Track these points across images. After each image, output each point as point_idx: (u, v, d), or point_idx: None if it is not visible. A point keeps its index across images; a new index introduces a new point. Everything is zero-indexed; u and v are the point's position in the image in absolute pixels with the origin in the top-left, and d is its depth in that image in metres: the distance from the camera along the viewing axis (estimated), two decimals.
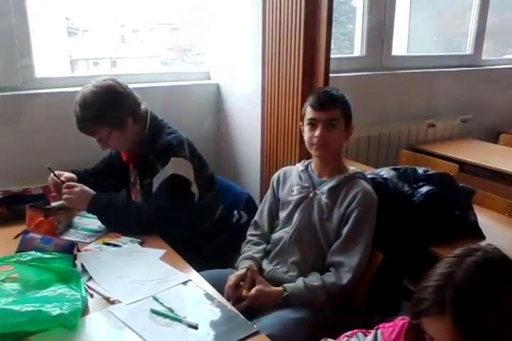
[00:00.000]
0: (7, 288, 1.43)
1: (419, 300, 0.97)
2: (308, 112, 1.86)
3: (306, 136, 1.88)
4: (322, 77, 2.20)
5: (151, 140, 2.06)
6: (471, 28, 3.91)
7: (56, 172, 2.07)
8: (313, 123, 1.84)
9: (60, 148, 2.46)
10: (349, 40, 3.55)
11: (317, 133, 1.82)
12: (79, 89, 2.49)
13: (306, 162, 2.00)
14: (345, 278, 1.73)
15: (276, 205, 2.00)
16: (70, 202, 1.98)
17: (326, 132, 1.82)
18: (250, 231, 2.04)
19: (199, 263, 1.81)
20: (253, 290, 1.73)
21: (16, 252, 1.65)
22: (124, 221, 1.97)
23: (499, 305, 0.92)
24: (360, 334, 1.27)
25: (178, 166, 2.00)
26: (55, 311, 1.32)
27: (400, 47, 3.74)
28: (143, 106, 2.08)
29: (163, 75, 2.87)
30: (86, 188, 1.99)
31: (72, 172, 2.19)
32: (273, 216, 2.00)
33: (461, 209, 2.05)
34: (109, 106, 1.94)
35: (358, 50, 3.37)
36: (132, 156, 2.14)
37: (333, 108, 1.83)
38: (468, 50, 3.95)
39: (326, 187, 1.86)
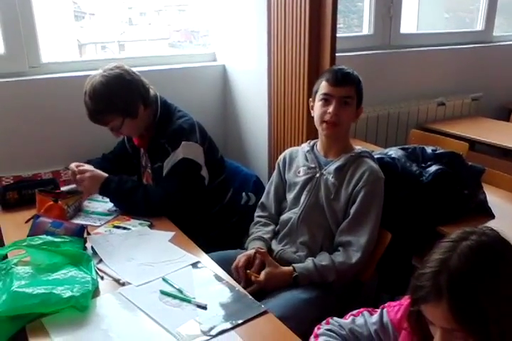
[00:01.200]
0: (19, 272, 1.45)
1: (416, 288, 0.97)
2: (323, 87, 1.82)
3: (317, 111, 1.84)
4: (328, 56, 2.17)
5: (162, 124, 2.07)
6: (483, 4, 3.82)
7: (76, 163, 2.10)
8: (326, 99, 1.81)
9: (69, 132, 2.48)
10: (358, 18, 3.49)
11: (330, 109, 1.79)
12: (87, 73, 2.50)
13: (312, 142, 1.99)
14: (354, 257, 1.74)
15: (282, 187, 2.00)
16: (83, 187, 2.02)
17: (340, 109, 1.79)
18: (258, 212, 2.05)
19: (210, 248, 1.83)
20: (262, 275, 1.73)
21: (28, 236, 1.68)
22: (132, 203, 1.99)
23: (495, 290, 0.91)
24: (366, 313, 1.28)
25: (188, 150, 2.01)
26: (67, 293, 1.35)
27: (409, 25, 3.68)
28: (152, 91, 2.08)
29: (170, 58, 2.86)
30: (97, 173, 2.02)
31: (89, 161, 2.21)
32: (279, 197, 2.00)
33: (470, 188, 2.03)
34: (120, 96, 1.94)
35: (366, 28, 3.32)
36: (144, 141, 2.15)
37: (349, 85, 1.81)
38: (480, 26, 3.88)
39: (332, 167, 1.85)
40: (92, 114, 1.96)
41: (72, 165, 2.08)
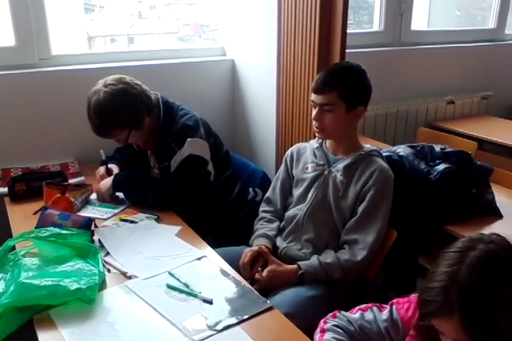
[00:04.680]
0: (27, 263, 1.46)
1: (425, 302, 0.95)
2: (312, 93, 1.84)
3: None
4: (338, 52, 2.16)
5: (166, 125, 2.07)
6: (495, 1, 3.79)
7: (102, 172, 2.17)
8: (313, 105, 1.83)
9: (78, 125, 2.46)
10: (369, 14, 3.48)
11: (313, 115, 1.81)
12: (96, 66, 2.52)
13: (321, 139, 1.98)
14: (360, 254, 1.73)
15: (288, 182, 1.99)
16: (102, 196, 2.08)
17: (322, 115, 1.79)
18: (263, 207, 2.04)
19: (220, 243, 1.85)
20: (265, 272, 1.73)
21: (35, 228, 1.69)
22: (143, 192, 2.02)
23: (506, 300, 0.89)
24: (375, 308, 1.26)
25: (194, 146, 2.02)
26: (73, 286, 1.36)
27: (420, 22, 3.66)
28: (153, 97, 2.08)
29: (179, 52, 2.85)
30: (106, 179, 2.10)
31: (108, 159, 2.24)
32: (285, 193, 1.99)
33: (478, 188, 2.02)
34: (126, 112, 1.94)
35: (376, 24, 3.30)
36: (149, 143, 2.15)
37: (328, 91, 1.76)
38: (492, 24, 3.84)
39: (341, 165, 1.85)
40: (99, 129, 1.97)
41: (101, 171, 2.18)
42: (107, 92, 1.92)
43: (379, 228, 1.75)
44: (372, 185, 1.77)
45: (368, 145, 1.93)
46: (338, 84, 1.77)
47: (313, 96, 1.81)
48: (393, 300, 1.26)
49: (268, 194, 2.05)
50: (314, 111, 1.81)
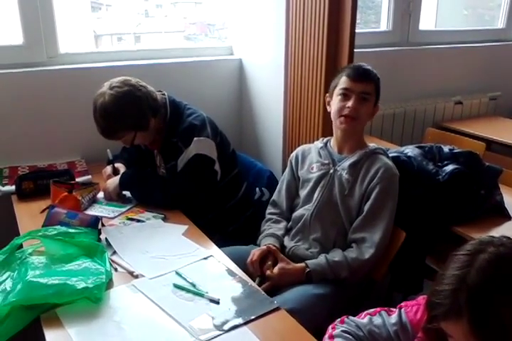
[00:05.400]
0: (34, 261, 1.46)
1: (434, 305, 0.94)
2: (343, 82, 1.83)
3: (335, 106, 1.84)
4: (347, 51, 2.15)
5: (173, 125, 2.07)
6: (504, 1, 3.76)
7: (109, 172, 2.19)
8: (346, 94, 1.82)
9: (85, 123, 2.46)
10: (376, 14, 3.46)
11: (350, 103, 1.80)
12: (104, 64, 2.51)
13: (325, 139, 1.99)
14: (367, 253, 1.73)
15: (294, 184, 2.00)
16: (109, 195, 2.08)
17: (359, 104, 1.80)
18: (269, 209, 2.04)
19: (227, 242, 1.85)
20: (276, 269, 1.74)
21: (43, 226, 1.69)
22: (150, 190, 2.02)
23: None
24: (383, 312, 1.25)
25: (201, 146, 2.02)
26: (80, 284, 1.36)
27: (427, 22, 3.64)
28: (159, 96, 2.07)
29: (186, 50, 2.84)
30: (113, 178, 2.11)
31: (115, 158, 2.25)
32: (291, 195, 2.00)
33: (486, 189, 2.01)
34: (131, 114, 1.95)
35: (384, 24, 3.28)
36: (156, 143, 2.15)
37: (369, 81, 1.82)
38: (501, 24, 3.82)
39: (346, 163, 1.85)
40: (105, 132, 1.98)
41: (108, 171, 2.19)
42: (113, 95, 1.92)
43: (385, 226, 1.76)
44: (377, 183, 1.78)
45: (373, 143, 1.93)
46: (374, 76, 1.85)
47: (350, 84, 1.81)
48: (401, 304, 1.25)
49: (274, 197, 2.06)
50: (351, 100, 1.80)
